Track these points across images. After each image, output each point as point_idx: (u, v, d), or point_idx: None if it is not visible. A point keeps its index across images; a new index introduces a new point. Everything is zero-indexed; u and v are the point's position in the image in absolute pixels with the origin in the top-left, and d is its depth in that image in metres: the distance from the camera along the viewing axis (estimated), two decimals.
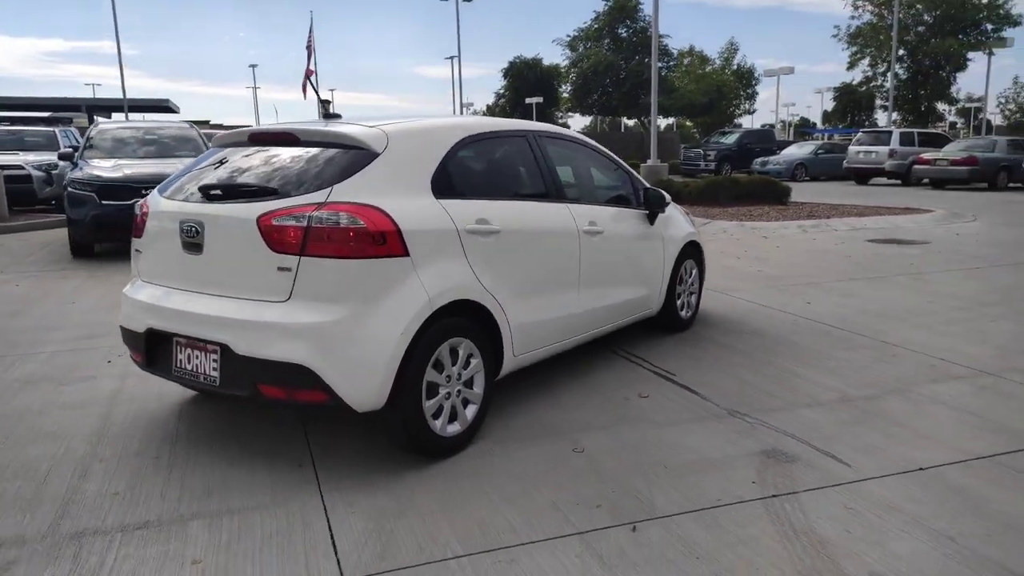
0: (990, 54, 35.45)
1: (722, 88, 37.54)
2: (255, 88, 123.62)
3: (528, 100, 41.04)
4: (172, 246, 3.31)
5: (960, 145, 22.53)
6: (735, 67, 44.07)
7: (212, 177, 3.40)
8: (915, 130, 25.45)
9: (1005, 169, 21.01)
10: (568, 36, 37.70)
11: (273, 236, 2.98)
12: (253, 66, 68.01)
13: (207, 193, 3.27)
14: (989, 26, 34.42)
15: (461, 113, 58.39)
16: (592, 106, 38.18)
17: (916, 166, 22.08)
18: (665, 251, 5.09)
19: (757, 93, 44.79)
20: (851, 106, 66.02)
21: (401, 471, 3.14)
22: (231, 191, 3.24)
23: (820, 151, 28.05)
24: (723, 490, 2.93)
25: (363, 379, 2.94)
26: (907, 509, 2.76)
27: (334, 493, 2.95)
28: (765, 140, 31.54)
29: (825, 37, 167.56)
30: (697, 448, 3.33)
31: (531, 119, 25.49)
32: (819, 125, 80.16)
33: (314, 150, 3.27)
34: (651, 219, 4.94)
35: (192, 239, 3.20)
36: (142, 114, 35.25)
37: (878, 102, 38.97)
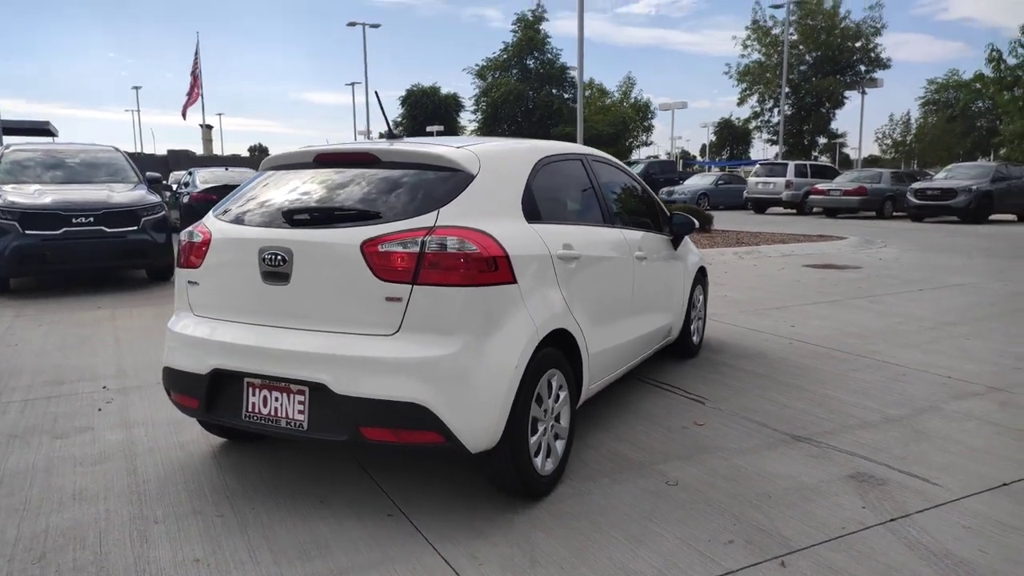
0: (863, 93, 38.72)
1: (626, 120, 38.90)
2: (137, 111, 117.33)
3: (429, 128, 41.07)
4: (246, 276, 3.00)
5: (850, 176, 24.25)
6: (632, 100, 45.90)
7: (292, 201, 3.12)
8: (808, 162, 27.23)
9: (890, 199, 22.78)
10: (477, 65, 38.18)
11: (381, 263, 2.75)
12: (137, 88, 64.91)
13: (291, 218, 3.00)
14: (863, 67, 37.66)
15: (354, 139, 57.84)
16: (501, 135, 38.60)
17: (811, 196, 23.58)
18: (685, 276, 5.14)
19: (653, 126, 46.88)
20: (730, 139, 70.24)
21: (503, 515, 2.95)
22: (322, 216, 2.99)
23: (720, 182, 29.47)
24: (840, 517, 2.92)
25: (481, 417, 2.75)
26: (1018, 525, 2.84)
27: (448, 545, 2.72)
28: (668, 170, 32.92)
29: (705, 75, 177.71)
30: (788, 475, 3.32)
31: None
32: (698, 157, 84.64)
33: (402, 171, 3.07)
34: (675, 244, 4.97)
35: (276, 268, 2.92)
36: (23, 137, 32.57)
37: (764, 135, 41.59)
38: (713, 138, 75.34)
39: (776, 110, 39.46)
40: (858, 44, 36.87)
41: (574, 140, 38.45)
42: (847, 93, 38.10)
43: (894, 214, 22.81)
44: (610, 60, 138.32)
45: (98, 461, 3.55)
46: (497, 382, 2.79)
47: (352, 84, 46.85)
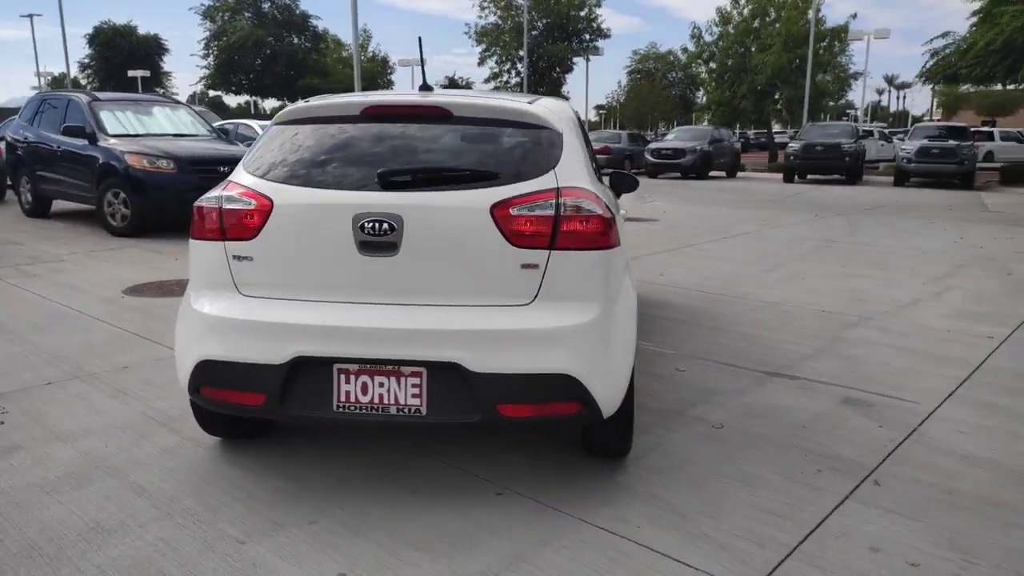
0: (587, 60, 42.09)
1: (374, 75, 37.86)
2: None
3: (131, 73, 36.14)
4: (333, 247, 2.56)
5: (594, 136, 26.40)
6: (371, 54, 44.84)
7: (382, 160, 2.68)
8: None
9: (628, 157, 25.31)
10: (203, 4, 34.17)
11: (516, 228, 2.52)
12: None
13: (390, 181, 2.58)
14: (587, 36, 40.84)
15: (39, 84, 49.01)
16: (238, 85, 35.37)
17: None
18: None
19: (394, 82, 46.36)
20: None
21: (610, 478, 2.94)
22: (432, 178, 2.62)
23: None
24: (875, 438, 3.34)
25: (618, 381, 2.68)
26: (991, 424, 3.51)
27: (590, 514, 2.65)
28: None
29: (446, 34, 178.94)
30: (798, 407, 3.70)
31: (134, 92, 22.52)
32: None
33: (484, 128, 2.80)
34: None
35: (379, 237, 2.51)
36: None
37: None
38: None
39: (514, 71, 41.29)
40: (583, 13, 39.86)
41: (320, 91, 36.81)
42: (574, 59, 41.17)
43: (633, 170, 25.40)
44: (344, 11, 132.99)
45: (75, 486, 2.82)
46: (627, 345, 2.75)
47: (31, 16, 39.50)
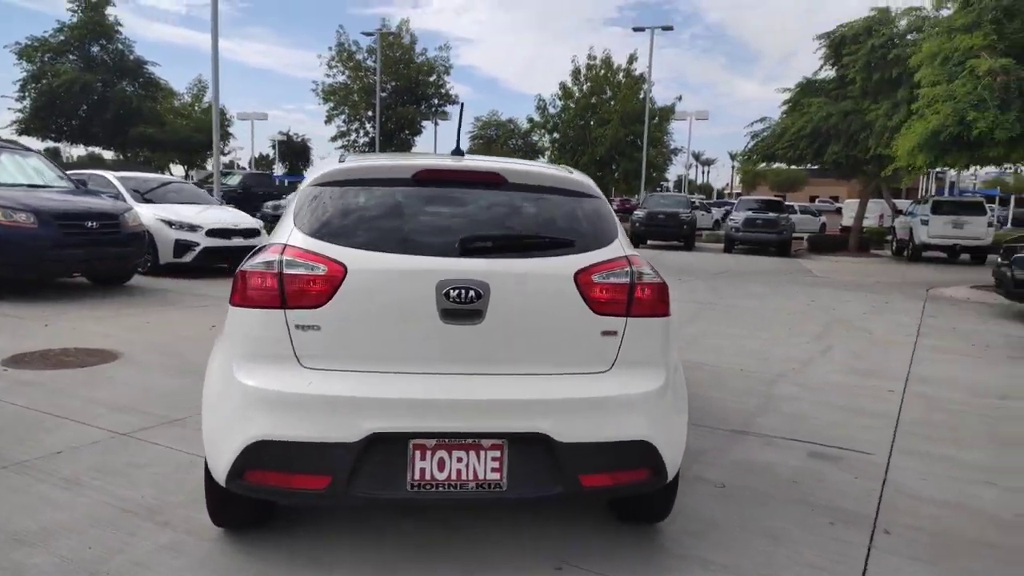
0: (436, 124, 43.03)
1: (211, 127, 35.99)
2: None
3: None
4: (413, 316, 2.44)
5: None
6: (205, 105, 42.88)
7: (459, 226, 2.60)
8: None
9: None
10: (18, 43, 30.95)
11: (597, 295, 2.56)
12: None
13: (474, 247, 2.52)
14: (436, 101, 41.75)
15: None
16: (58, 130, 32.20)
17: None
18: None
19: (231, 135, 44.41)
20: (289, 155, 70.66)
21: (653, 543, 2.97)
22: (514, 244, 2.59)
23: None
24: (858, 489, 3.63)
25: (680, 445, 2.74)
26: (942, 472, 3.93)
27: None
28: (267, 183, 31.74)
29: (276, 87, 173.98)
30: (778, 463, 3.94)
31: None
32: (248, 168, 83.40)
33: (538, 195, 2.81)
34: None
35: (465, 305, 2.44)
36: None
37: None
38: (271, 151, 74.43)
39: (362, 131, 41.16)
40: (432, 79, 40.79)
41: (155, 142, 34.54)
42: (424, 123, 41.86)
43: None
44: (175, 59, 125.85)
45: None
46: (685, 409, 2.83)
47: None
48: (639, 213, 23.81)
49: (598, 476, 2.53)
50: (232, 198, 28.80)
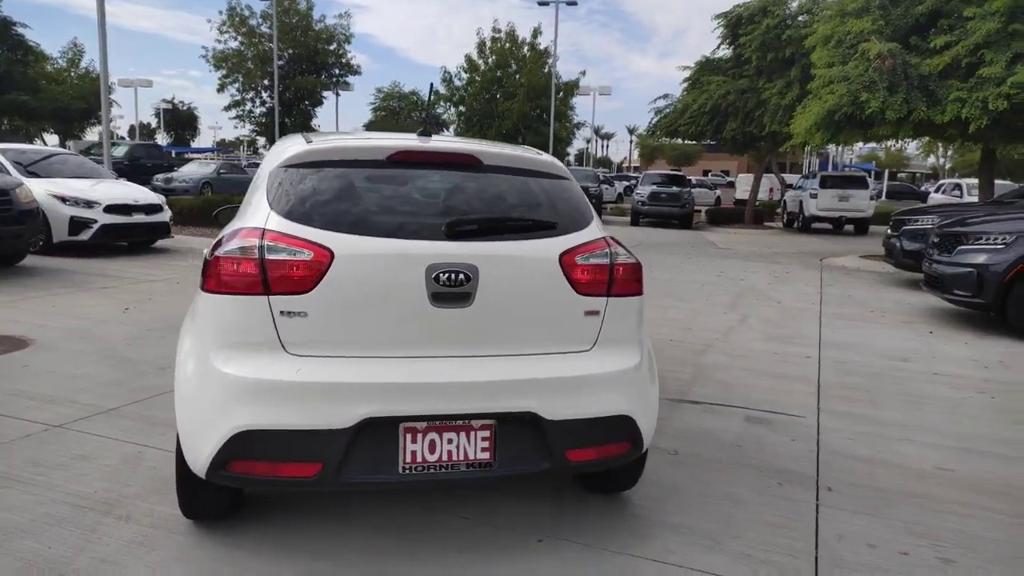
0: (338, 94, 41.76)
1: (91, 93, 33.31)
2: None
3: None
4: (402, 300, 2.42)
5: None
6: (83, 71, 39.82)
7: (440, 209, 2.58)
8: None
9: None
10: None
11: (580, 276, 2.62)
12: None
13: (459, 230, 2.51)
14: (337, 71, 40.42)
15: None
16: None
17: None
18: None
19: (114, 101, 41.49)
20: (175, 124, 66.87)
21: (624, 511, 3.10)
22: (499, 227, 2.58)
23: (223, 171, 28.38)
24: (796, 450, 3.90)
25: (654, 417, 2.85)
26: (867, 429, 4.27)
27: (641, 549, 2.79)
28: (156, 155, 30.02)
29: (160, 52, 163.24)
30: (720, 428, 4.17)
31: None
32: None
33: (514, 177, 2.83)
34: None
35: (454, 288, 2.44)
36: None
37: (248, 126, 41.15)
38: (154, 120, 70.21)
39: (257, 100, 39.46)
40: (332, 47, 39.45)
41: (28, 110, 31.72)
42: (325, 93, 40.51)
43: None
44: (46, 20, 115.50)
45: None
46: (656, 382, 2.94)
47: None
48: None
49: (583, 451, 2.62)
50: (118, 170, 27.16)
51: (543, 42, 35.10)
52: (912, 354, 6.27)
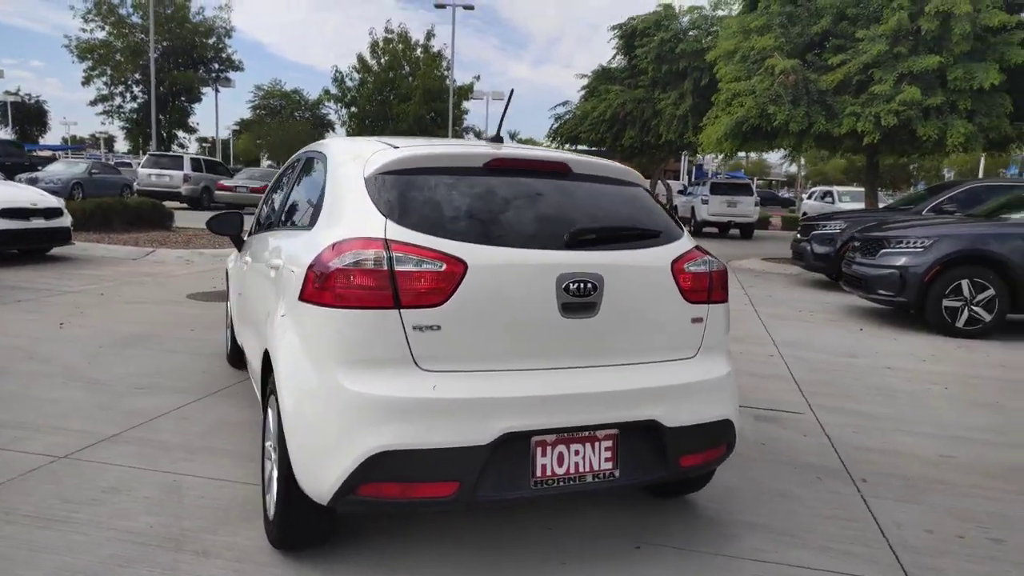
0: (217, 91, 39.71)
1: None
2: None
3: None
4: (533, 311, 2.40)
5: (249, 174, 25.09)
6: None
7: (560, 217, 2.55)
8: (202, 157, 26.84)
9: None
10: None
11: (687, 284, 2.68)
12: None
13: (580, 239, 2.51)
14: (217, 65, 38.39)
15: None
16: None
17: (219, 191, 23.58)
18: None
19: None
20: (20, 119, 61.51)
21: (698, 514, 3.18)
22: (616, 235, 2.60)
23: (94, 171, 26.35)
24: (811, 444, 4.12)
25: (739, 418, 2.94)
26: (858, 423, 4.57)
27: (732, 549, 2.87)
28: (15, 153, 27.48)
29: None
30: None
31: None
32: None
33: (602, 185, 2.84)
34: None
35: (582, 298, 2.43)
36: None
37: (118, 123, 38.31)
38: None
39: (128, 95, 36.92)
40: (211, 41, 37.49)
41: None
42: (204, 89, 38.43)
43: None
44: None
45: None
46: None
47: None
48: None
49: (694, 456, 2.67)
50: None
51: (436, 45, 34.95)
52: (856, 350, 6.76)
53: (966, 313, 7.52)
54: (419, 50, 34.71)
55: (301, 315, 2.45)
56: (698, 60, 20.52)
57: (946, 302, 7.54)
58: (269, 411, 2.73)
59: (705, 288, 2.74)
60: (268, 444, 2.77)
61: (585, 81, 25.81)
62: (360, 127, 34.43)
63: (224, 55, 38.44)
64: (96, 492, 3.05)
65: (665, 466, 2.59)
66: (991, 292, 7.44)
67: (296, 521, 2.52)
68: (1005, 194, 9.35)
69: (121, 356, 5.25)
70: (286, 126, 42.52)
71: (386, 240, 2.36)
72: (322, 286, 2.34)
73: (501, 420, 2.32)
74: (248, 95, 54.54)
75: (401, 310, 2.29)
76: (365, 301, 2.29)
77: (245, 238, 4.52)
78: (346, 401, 2.27)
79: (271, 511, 2.63)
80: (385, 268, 2.29)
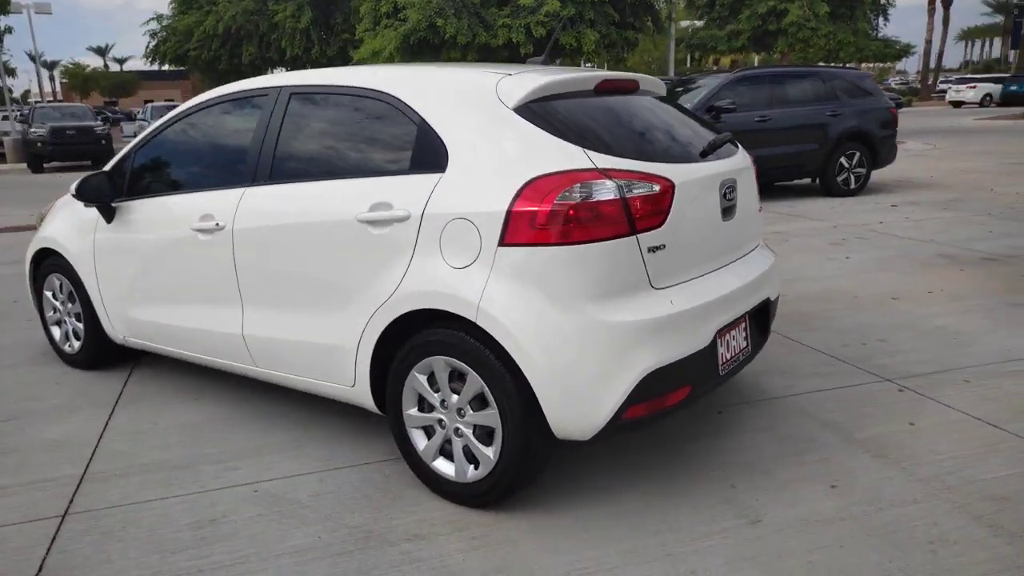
0: None
1: None
2: None
3: None
4: (708, 219, 2.66)
5: None
6: None
7: (686, 132, 2.84)
8: None
9: None
10: None
11: (757, 184, 3.13)
12: None
13: (714, 149, 2.81)
14: None
15: None
16: None
17: None
18: None
19: None
20: None
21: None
22: (719, 143, 2.88)
23: None
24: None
25: None
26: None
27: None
28: None
29: None
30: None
31: None
32: None
33: (664, 102, 3.09)
34: None
35: (732, 202, 2.79)
36: None
37: None
38: None
39: None
40: None
41: None
42: None
43: None
44: None
45: None
46: None
47: None
48: (38, 130, 19.46)
49: (769, 324, 3.20)
50: None
51: None
52: None
53: None
54: None
55: (516, 261, 2.29)
56: None
57: None
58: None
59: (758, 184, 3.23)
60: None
61: None
62: None
63: None
64: (293, 506, 2.41)
65: (766, 334, 3.09)
66: None
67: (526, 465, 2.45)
68: None
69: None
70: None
71: (600, 169, 2.33)
72: (547, 225, 2.24)
73: (714, 321, 2.57)
74: None
75: (638, 235, 2.33)
76: (606, 232, 2.27)
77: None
78: (608, 333, 2.27)
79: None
80: (617, 196, 2.29)
